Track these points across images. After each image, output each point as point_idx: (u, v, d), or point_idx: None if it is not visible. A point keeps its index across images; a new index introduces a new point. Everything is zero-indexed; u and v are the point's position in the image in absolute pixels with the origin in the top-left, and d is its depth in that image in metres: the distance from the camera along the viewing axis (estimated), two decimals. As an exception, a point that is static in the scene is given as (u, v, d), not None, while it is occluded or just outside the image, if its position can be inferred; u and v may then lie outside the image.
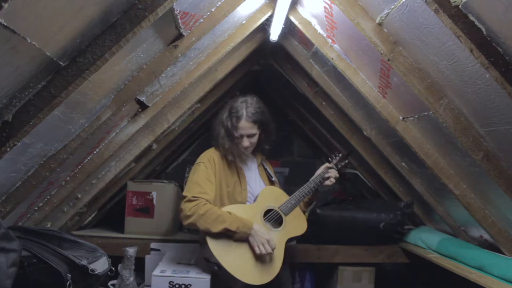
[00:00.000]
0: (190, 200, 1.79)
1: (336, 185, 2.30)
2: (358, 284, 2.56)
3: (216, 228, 1.75)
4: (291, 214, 1.98)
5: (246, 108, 1.90)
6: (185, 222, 1.79)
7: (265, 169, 2.15)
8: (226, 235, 1.78)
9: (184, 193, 1.85)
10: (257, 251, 1.76)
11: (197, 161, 1.97)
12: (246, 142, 1.92)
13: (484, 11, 1.03)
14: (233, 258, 1.77)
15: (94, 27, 1.05)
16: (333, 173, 2.08)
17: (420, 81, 1.50)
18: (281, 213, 1.95)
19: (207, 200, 1.81)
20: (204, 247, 1.81)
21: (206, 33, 1.59)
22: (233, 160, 2.00)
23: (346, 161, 2.25)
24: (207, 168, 1.91)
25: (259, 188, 2.02)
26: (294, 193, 2.02)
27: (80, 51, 1.08)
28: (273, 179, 2.14)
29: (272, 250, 1.78)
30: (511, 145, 1.42)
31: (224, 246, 1.78)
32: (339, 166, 2.19)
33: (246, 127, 1.90)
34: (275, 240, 1.89)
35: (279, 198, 2.01)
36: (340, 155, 2.24)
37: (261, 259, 1.82)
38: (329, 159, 2.24)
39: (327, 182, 2.07)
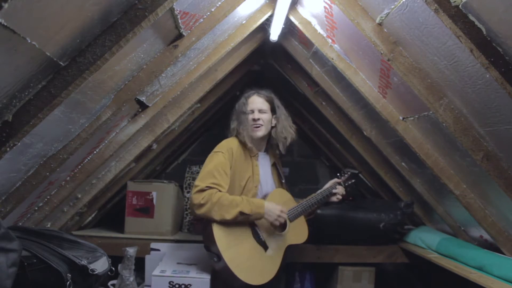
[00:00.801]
0: (202, 190, 1.76)
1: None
2: (358, 284, 2.56)
3: (231, 214, 1.74)
4: (295, 221, 1.99)
5: (259, 90, 2.00)
6: (199, 212, 1.75)
7: (277, 170, 2.14)
8: (236, 222, 1.78)
9: (196, 182, 1.80)
10: (275, 224, 1.89)
11: (216, 149, 1.93)
12: (256, 114, 1.94)
13: (484, 11, 1.03)
14: (234, 254, 1.76)
15: (94, 27, 1.05)
16: (341, 190, 2.10)
17: (420, 81, 1.50)
18: (287, 219, 1.95)
19: (219, 191, 1.79)
20: (207, 235, 1.78)
21: (206, 33, 1.59)
22: (250, 154, 1.98)
23: (353, 181, 2.24)
24: (225, 159, 1.87)
25: (269, 188, 2.02)
26: (301, 202, 2.03)
27: (80, 51, 1.08)
28: (283, 181, 2.14)
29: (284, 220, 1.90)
30: (511, 145, 1.42)
31: (229, 240, 1.77)
32: (346, 184, 2.19)
33: (257, 101, 1.96)
34: (276, 244, 1.89)
35: (287, 202, 2.01)
36: (349, 173, 2.23)
37: (261, 260, 1.82)
38: (338, 174, 2.23)
39: (333, 198, 2.09)
